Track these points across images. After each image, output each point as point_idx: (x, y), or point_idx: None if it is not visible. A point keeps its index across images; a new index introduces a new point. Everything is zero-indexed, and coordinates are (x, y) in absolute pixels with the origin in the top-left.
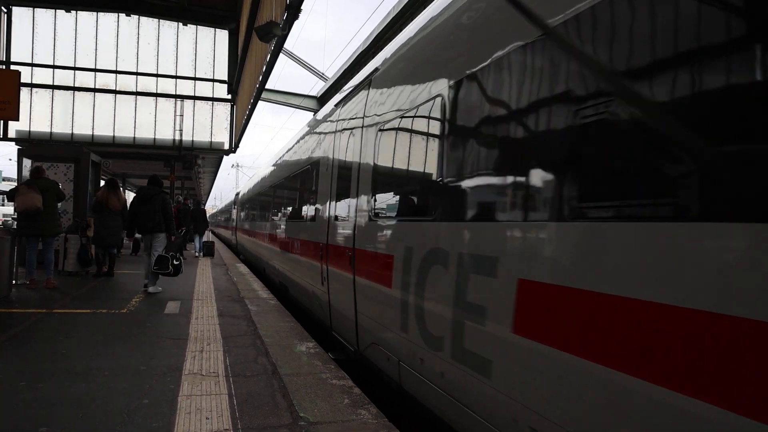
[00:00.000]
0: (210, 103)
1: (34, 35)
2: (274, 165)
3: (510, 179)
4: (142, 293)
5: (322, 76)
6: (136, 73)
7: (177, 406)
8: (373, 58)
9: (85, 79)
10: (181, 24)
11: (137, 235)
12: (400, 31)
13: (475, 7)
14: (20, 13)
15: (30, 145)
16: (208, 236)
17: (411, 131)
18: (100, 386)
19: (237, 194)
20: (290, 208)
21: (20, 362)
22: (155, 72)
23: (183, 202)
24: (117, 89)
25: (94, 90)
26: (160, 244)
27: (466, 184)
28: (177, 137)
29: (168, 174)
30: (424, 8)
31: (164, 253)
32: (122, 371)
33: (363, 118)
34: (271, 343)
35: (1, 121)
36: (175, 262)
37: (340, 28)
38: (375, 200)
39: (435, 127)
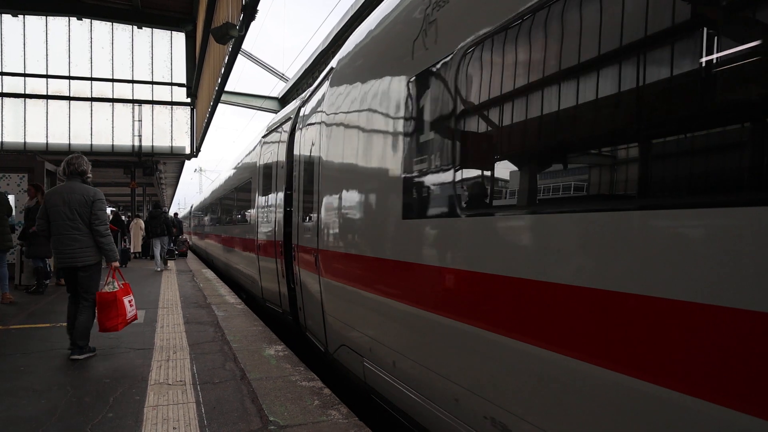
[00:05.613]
0: (169, 107)
1: None
2: None
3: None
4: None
5: (282, 77)
6: (91, 79)
7: (143, 417)
8: (333, 57)
9: (36, 86)
10: (135, 27)
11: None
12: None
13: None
14: None
15: None
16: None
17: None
18: (62, 402)
19: (284, 123)
20: None
21: None
22: (111, 77)
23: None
24: (71, 95)
25: (47, 97)
26: (164, 243)
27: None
28: (136, 143)
29: (129, 181)
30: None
31: (170, 248)
32: (85, 385)
33: None
34: (240, 348)
35: None
36: (176, 253)
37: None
38: None
39: None
